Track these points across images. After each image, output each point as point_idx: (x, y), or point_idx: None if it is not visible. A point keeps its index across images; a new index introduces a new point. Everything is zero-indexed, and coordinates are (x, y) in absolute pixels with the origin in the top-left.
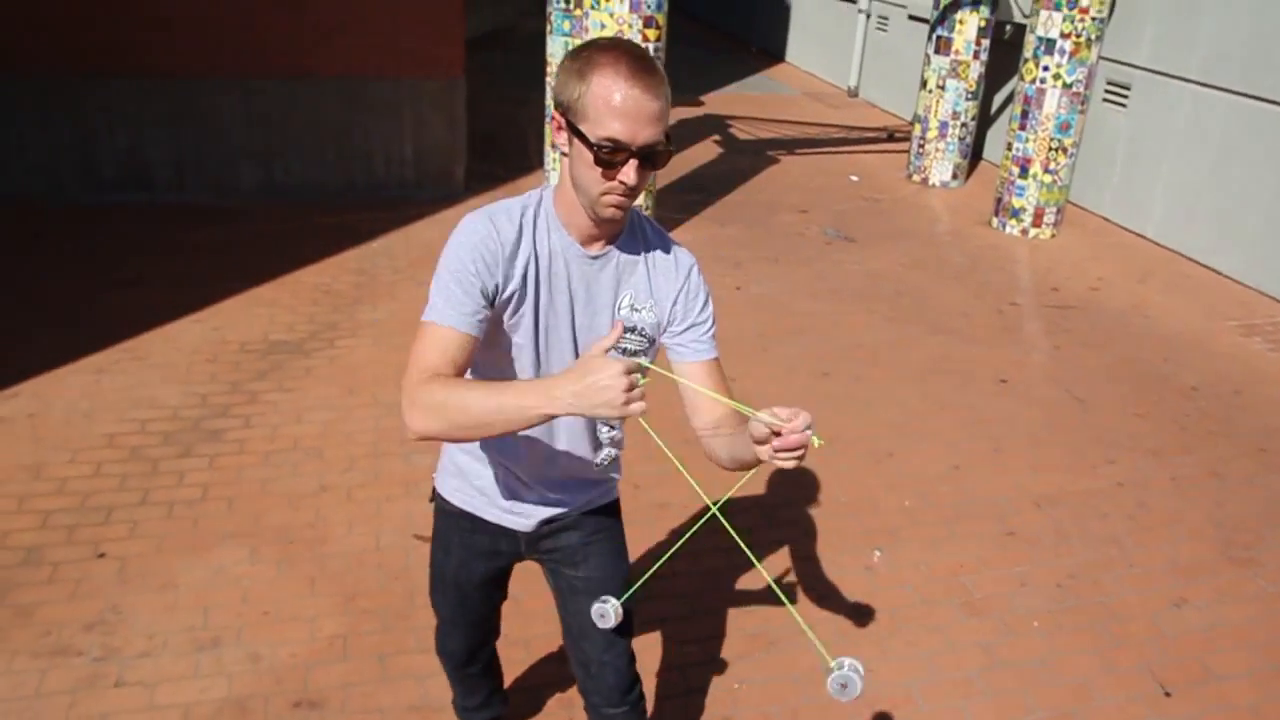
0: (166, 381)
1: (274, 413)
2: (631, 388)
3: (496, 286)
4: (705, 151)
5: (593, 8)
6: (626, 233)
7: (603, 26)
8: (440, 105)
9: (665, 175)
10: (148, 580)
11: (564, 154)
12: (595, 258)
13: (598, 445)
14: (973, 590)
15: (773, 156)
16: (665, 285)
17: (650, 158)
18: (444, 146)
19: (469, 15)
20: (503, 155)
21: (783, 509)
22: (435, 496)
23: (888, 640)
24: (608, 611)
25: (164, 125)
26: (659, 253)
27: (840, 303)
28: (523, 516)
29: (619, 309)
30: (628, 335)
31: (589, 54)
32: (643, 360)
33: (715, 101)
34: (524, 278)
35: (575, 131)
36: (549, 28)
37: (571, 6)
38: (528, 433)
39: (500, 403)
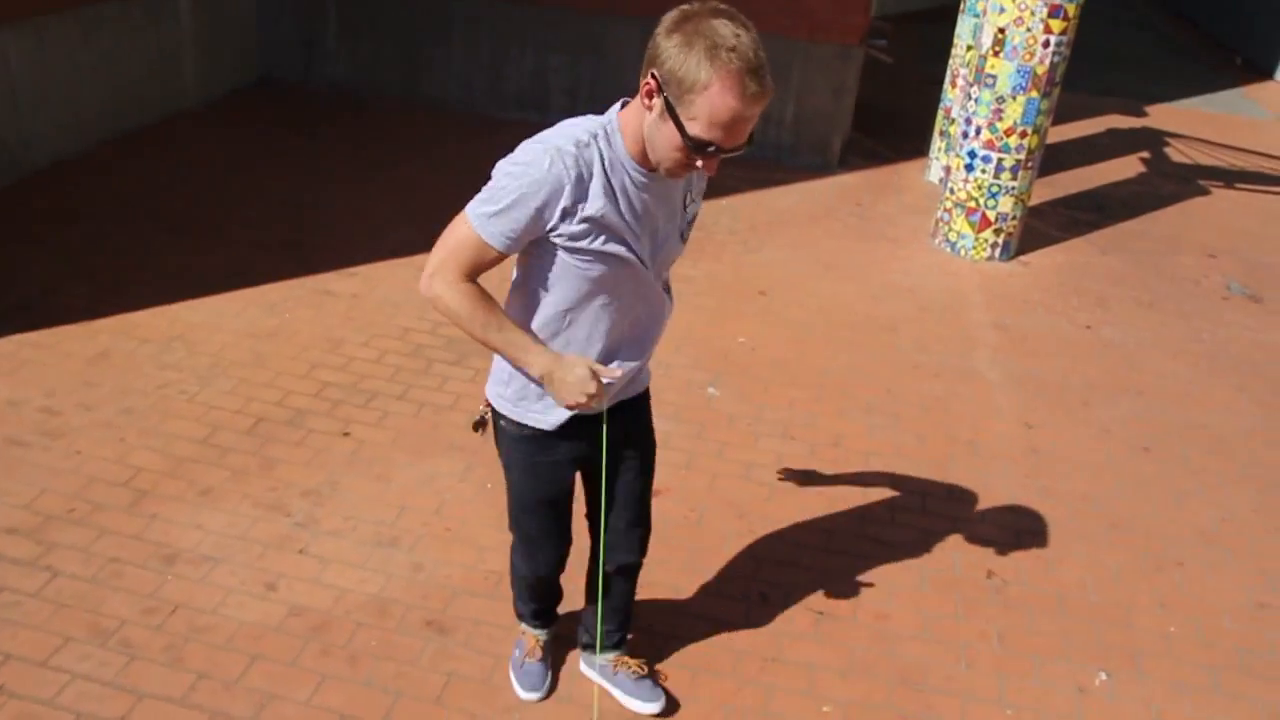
0: None
1: None
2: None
3: (559, 217)
4: (1122, 168)
5: None
6: None
7: (1001, 10)
8: (829, 72)
9: (1058, 187)
10: (371, 467)
11: (646, 107)
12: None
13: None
14: None
15: (1204, 187)
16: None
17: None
18: (826, 115)
19: None
20: (895, 135)
21: (1015, 586)
22: (496, 418)
23: None
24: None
25: (566, 54)
26: None
27: (1205, 371)
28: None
29: (686, 205)
30: (687, 226)
31: (715, 47)
32: None
33: (1160, 114)
34: (604, 205)
35: (670, 110)
36: (962, 5)
37: None
38: (616, 305)
39: (505, 342)
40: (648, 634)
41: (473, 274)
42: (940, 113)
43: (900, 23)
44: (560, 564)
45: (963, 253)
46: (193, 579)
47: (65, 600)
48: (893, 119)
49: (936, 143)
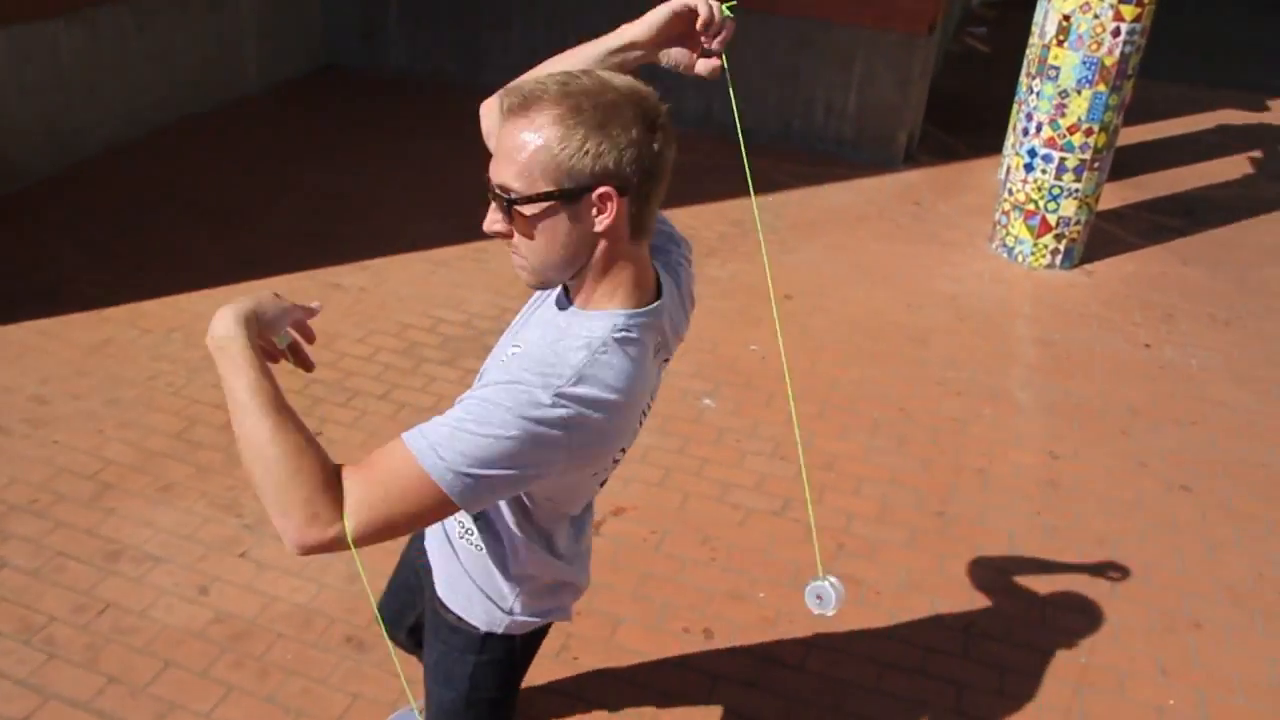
0: (484, 289)
1: None
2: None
3: None
4: (1226, 169)
5: None
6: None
7: None
8: (895, 62)
9: (1146, 190)
10: None
11: None
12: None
13: None
14: None
15: None
16: None
17: (497, 200)
18: (890, 108)
19: None
20: (976, 131)
21: (992, 641)
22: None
23: None
24: (825, 592)
25: None
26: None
27: (1276, 400)
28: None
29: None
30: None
31: None
32: None
33: None
34: None
35: None
36: None
37: None
38: None
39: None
40: (572, 666)
41: None
42: (1015, 106)
43: (1008, 9)
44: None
45: (1020, 259)
46: (130, 578)
47: (4, 593)
48: (978, 112)
49: (1010, 139)
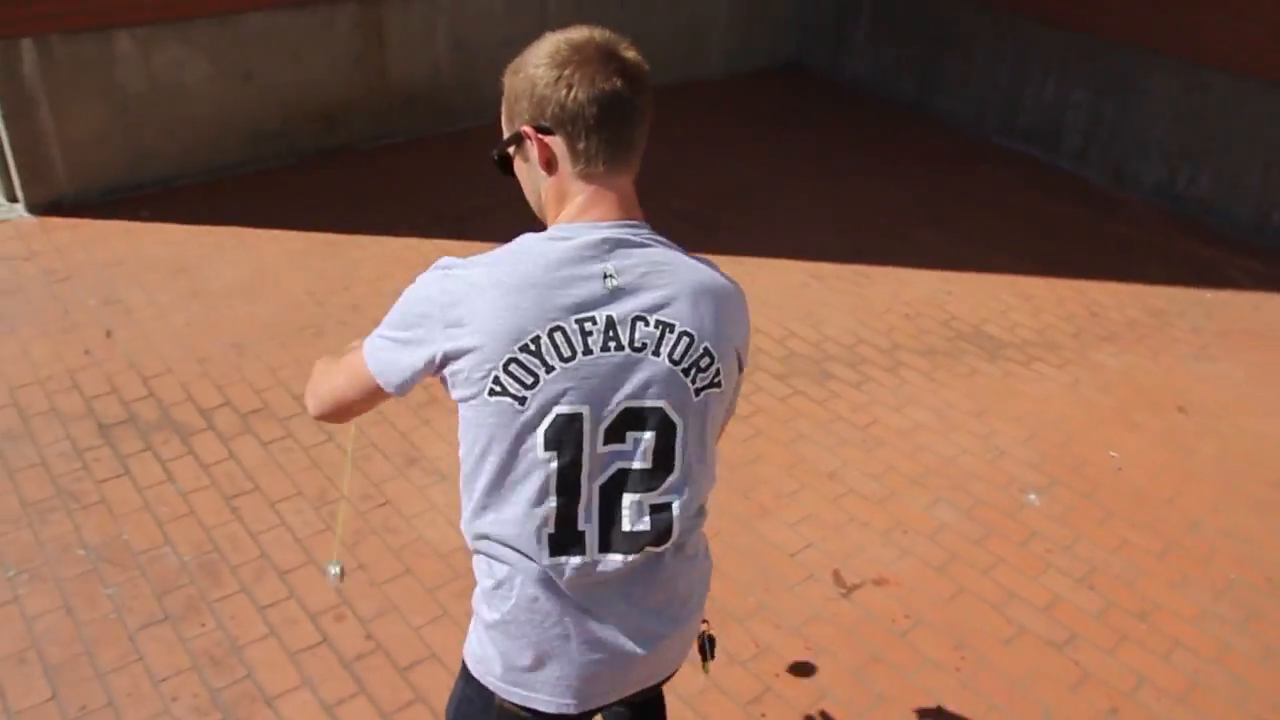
0: (848, 313)
1: (886, 389)
2: None
3: None
4: None
5: None
6: None
7: None
8: None
9: None
10: None
11: None
12: None
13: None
14: None
15: None
16: None
17: None
18: None
19: None
20: None
21: None
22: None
23: None
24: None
25: (1092, 91)
26: None
27: None
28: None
29: None
30: None
31: None
32: None
33: None
34: None
35: None
36: None
37: None
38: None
39: None
40: None
41: None
42: None
43: None
44: None
45: None
46: (415, 485)
47: (322, 462)
48: None
49: None
